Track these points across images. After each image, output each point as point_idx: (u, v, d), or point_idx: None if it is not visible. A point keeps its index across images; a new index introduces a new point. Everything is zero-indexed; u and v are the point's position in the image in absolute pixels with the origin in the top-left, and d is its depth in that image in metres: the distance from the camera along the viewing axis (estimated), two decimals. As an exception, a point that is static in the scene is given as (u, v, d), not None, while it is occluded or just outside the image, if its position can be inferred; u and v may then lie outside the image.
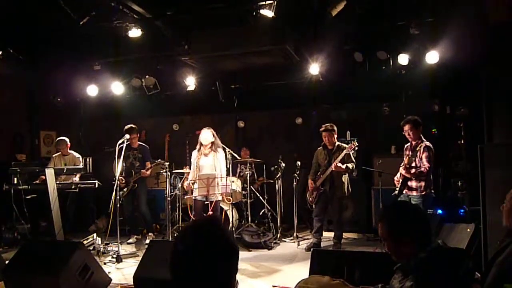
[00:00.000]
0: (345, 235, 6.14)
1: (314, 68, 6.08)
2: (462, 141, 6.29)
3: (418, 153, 4.65)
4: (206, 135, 5.41)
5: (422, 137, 4.75)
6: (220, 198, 5.36)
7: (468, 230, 4.06)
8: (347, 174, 5.58)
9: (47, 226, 5.63)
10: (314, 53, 5.99)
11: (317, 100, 7.27)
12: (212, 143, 5.43)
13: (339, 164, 5.36)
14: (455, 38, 5.15)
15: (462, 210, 5.66)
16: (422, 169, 4.57)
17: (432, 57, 5.51)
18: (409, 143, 4.87)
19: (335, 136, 5.62)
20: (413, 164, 4.65)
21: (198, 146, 5.52)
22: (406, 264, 1.79)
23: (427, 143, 4.68)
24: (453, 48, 5.31)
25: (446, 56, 5.48)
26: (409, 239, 1.79)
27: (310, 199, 5.74)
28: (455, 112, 6.44)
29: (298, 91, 6.90)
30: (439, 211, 5.49)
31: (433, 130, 6.47)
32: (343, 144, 5.57)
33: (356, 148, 5.52)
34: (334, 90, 6.92)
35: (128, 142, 5.82)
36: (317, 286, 1.96)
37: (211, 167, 5.34)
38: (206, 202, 5.35)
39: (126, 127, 5.94)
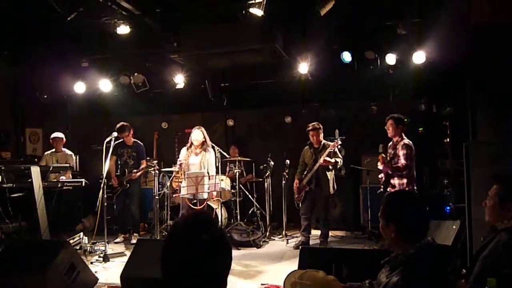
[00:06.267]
0: (333, 233, 6.19)
1: (303, 67, 6.10)
2: (448, 140, 6.39)
3: (397, 151, 4.74)
4: (196, 135, 5.42)
5: (403, 135, 4.83)
6: (206, 196, 5.35)
7: (454, 226, 4.13)
8: (332, 172, 5.62)
9: (33, 225, 5.54)
10: (303, 52, 6.01)
11: (306, 99, 7.30)
12: (203, 142, 5.43)
13: (327, 158, 5.40)
14: (441, 39, 5.23)
15: (448, 208, 5.75)
16: (399, 164, 4.65)
17: (419, 57, 5.59)
18: (392, 141, 4.95)
19: (322, 134, 5.67)
20: (392, 162, 4.74)
21: (188, 144, 5.51)
22: (394, 259, 1.82)
23: (406, 141, 4.76)
24: (439, 48, 5.39)
25: (432, 56, 5.56)
26: (395, 227, 1.83)
27: (297, 197, 5.77)
28: (441, 111, 6.54)
29: (287, 90, 6.92)
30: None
31: (420, 129, 6.56)
32: (328, 142, 5.61)
33: (339, 146, 5.57)
34: (323, 89, 6.95)
35: (122, 140, 5.76)
36: (312, 282, 1.94)
37: (198, 166, 5.36)
38: (194, 201, 5.34)
39: (117, 126, 5.89)
